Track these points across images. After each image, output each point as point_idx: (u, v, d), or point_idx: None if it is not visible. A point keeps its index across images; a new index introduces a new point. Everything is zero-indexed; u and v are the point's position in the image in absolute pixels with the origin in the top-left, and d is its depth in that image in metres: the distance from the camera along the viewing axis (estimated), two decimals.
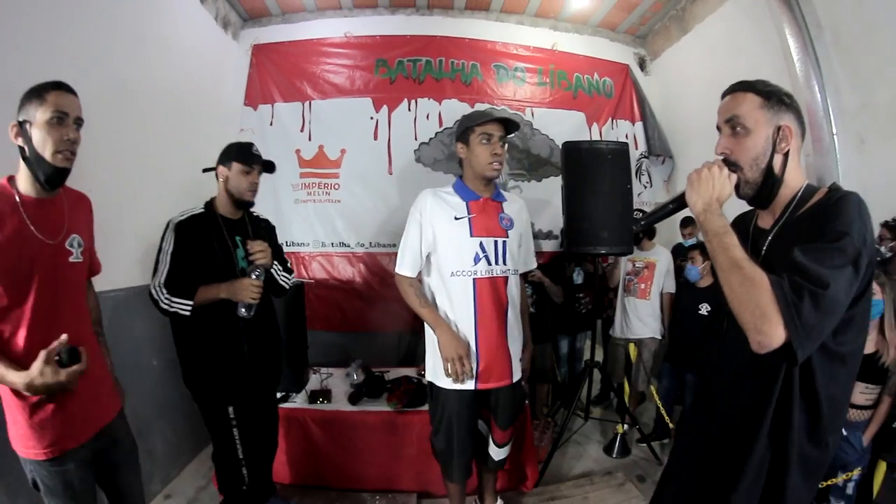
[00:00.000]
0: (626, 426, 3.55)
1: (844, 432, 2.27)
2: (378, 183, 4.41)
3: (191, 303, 2.06)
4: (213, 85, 4.03)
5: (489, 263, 2.17)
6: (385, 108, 4.43)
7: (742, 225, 1.37)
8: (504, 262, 2.21)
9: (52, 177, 1.42)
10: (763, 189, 1.24)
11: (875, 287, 2.17)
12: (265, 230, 2.44)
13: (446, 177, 4.26)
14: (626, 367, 3.83)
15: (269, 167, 2.35)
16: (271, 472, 2.57)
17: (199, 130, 3.71)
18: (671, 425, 3.53)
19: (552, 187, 4.55)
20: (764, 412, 1.18)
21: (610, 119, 4.89)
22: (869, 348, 2.21)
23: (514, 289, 2.27)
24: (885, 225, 2.71)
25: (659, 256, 3.75)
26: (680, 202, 1.31)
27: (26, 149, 1.39)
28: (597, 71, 4.88)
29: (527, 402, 2.91)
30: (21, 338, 1.37)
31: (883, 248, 2.65)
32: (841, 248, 1.03)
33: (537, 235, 4.58)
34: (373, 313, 4.33)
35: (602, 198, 3.08)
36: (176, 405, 3.12)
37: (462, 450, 2.27)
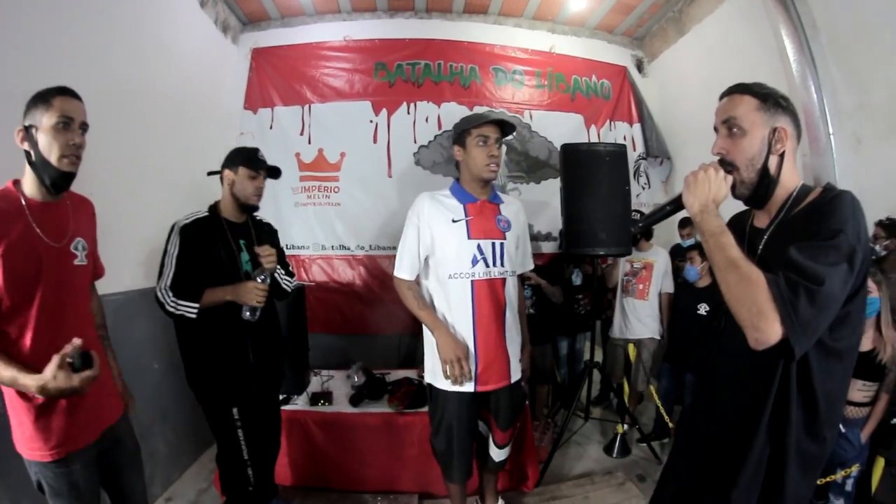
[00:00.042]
0: (625, 426, 3.56)
1: (843, 429, 2.29)
2: (377, 186, 4.42)
3: (197, 305, 2.07)
4: (212, 89, 4.04)
5: (487, 265, 2.18)
6: (384, 112, 4.45)
7: (738, 225, 1.39)
8: (502, 264, 2.21)
9: (57, 181, 1.44)
10: (759, 189, 1.26)
11: (871, 285, 2.19)
12: (268, 234, 2.45)
13: (445, 179, 4.27)
14: (625, 367, 3.84)
15: (274, 173, 2.38)
16: (273, 473, 2.57)
17: (199, 134, 3.73)
18: (671, 425, 3.54)
19: (551, 189, 4.56)
20: (762, 408, 1.20)
21: (608, 121, 4.92)
22: (866, 346, 2.23)
23: (511, 290, 2.28)
24: (880, 224, 2.73)
25: (657, 257, 3.77)
26: (677, 204, 1.33)
27: (32, 153, 1.40)
28: (594, 73, 4.91)
29: (527, 402, 2.92)
30: (27, 340, 1.38)
31: (878, 247, 2.68)
32: (835, 245, 1.05)
33: (536, 237, 4.61)
34: (373, 316, 4.34)
35: (600, 199, 3.10)
36: (177, 408, 3.14)
37: (462, 451, 2.28)
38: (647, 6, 4.51)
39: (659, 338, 3.76)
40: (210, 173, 2.38)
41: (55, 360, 1.29)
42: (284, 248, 2.66)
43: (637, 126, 5.02)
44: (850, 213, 1.09)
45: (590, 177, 3.13)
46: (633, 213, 3.55)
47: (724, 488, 1.26)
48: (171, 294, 2.06)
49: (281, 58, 4.46)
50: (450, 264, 2.16)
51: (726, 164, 1.26)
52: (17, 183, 1.44)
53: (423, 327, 2.24)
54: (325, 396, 3.06)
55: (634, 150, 4.96)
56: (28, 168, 1.43)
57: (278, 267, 2.35)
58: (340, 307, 4.41)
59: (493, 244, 2.20)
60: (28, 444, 1.44)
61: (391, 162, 4.44)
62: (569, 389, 4.09)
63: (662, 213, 1.43)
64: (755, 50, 3.56)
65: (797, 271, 1.03)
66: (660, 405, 3.53)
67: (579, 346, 4.19)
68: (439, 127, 4.46)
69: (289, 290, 2.48)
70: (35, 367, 1.31)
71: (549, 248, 4.62)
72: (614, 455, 3.48)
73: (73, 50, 2.38)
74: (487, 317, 2.18)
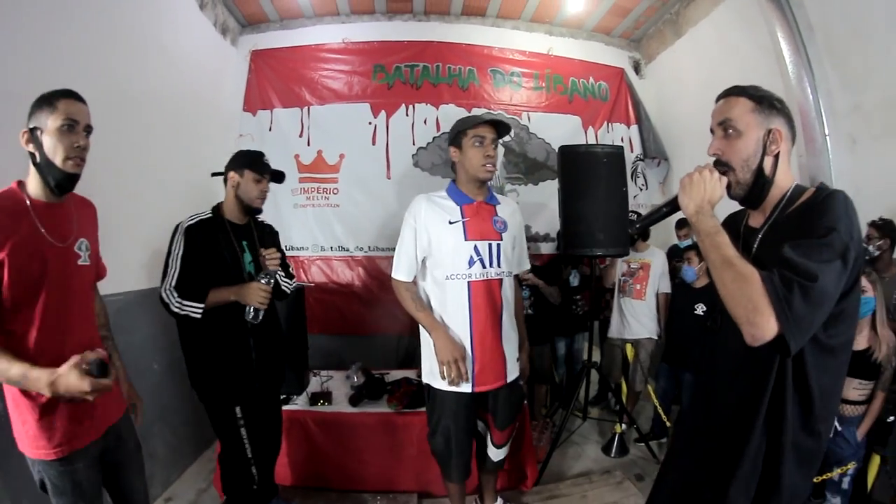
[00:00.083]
0: (623, 426, 3.57)
1: (839, 427, 2.32)
2: (376, 187, 4.44)
3: (202, 305, 2.09)
4: (212, 90, 4.05)
5: (484, 266, 2.19)
6: (383, 114, 4.47)
7: (733, 225, 1.41)
8: (498, 265, 2.22)
9: (62, 182, 1.45)
10: (754, 189, 1.28)
11: (867, 284, 2.22)
12: (270, 235, 2.48)
13: (444, 181, 4.26)
14: (623, 367, 3.86)
15: (278, 177, 2.41)
16: (273, 473, 2.59)
17: (198, 135, 3.74)
18: (668, 424, 3.56)
19: (549, 190, 4.59)
20: (759, 404, 1.22)
21: (605, 122, 4.94)
22: (861, 345, 2.26)
23: (508, 290, 2.29)
24: (873, 224, 2.76)
25: (653, 257, 3.79)
26: (673, 205, 1.35)
27: (37, 155, 1.42)
28: (592, 75, 4.93)
29: (525, 402, 2.93)
30: (32, 339, 1.39)
31: (871, 247, 2.70)
32: (829, 243, 1.07)
33: (535, 238, 4.63)
34: (372, 316, 4.36)
35: (598, 200, 3.11)
36: (176, 408, 3.15)
37: (460, 450, 2.29)
38: (643, 9, 4.54)
39: (656, 338, 3.77)
40: (214, 174, 2.40)
41: (73, 359, 1.30)
42: (284, 250, 2.68)
43: (634, 127, 5.05)
44: (843, 211, 1.12)
45: (587, 178, 3.15)
46: (630, 214, 3.56)
47: (722, 484, 1.27)
48: (175, 294, 2.08)
49: (280, 60, 4.47)
50: (447, 265, 2.17)
51: (722, 165, 1.29)
52: (21, 184, 1.46)
53: (421, 328, 2.25)
54: (324, 396, 3.07)
55: (632, 151, 4.99)
56: (32, 169, 1.44)
57: (280, 269, 2.37)
58: (339, 308, 4.43)
59: (490, 245, 2.21)
60: (32, 442, 1.44)
61: (390, 163, 4.46)
62: (567, 389, 4.11)
63: (659, 214, 1.45)
64: (751, 51, 3.58)
65: (791, 268, 1.06)
66: (657, 405, 3.55)
67: (577, 346, 4.20)
68: (438, 129, 4.47)
69: (288, 291, 2.49)
70: (39, 366, 1.31)
71: (547, 249, 4.64)
72: (612, 455, 3.50)
73: (72, 51, 2.39)
74: (484, 317, 2.19)
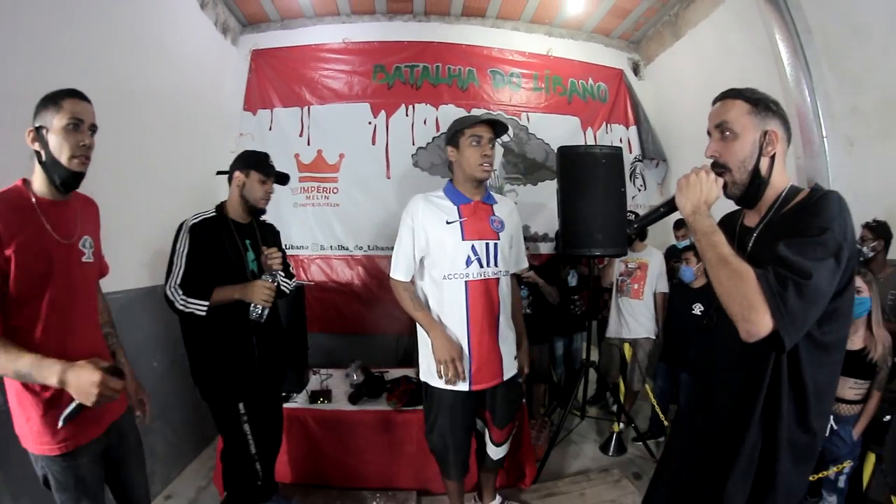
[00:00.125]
0: (621, 425, 3.58)
1: (835, 426, 2.34)
2: (376, 187, 4.46)
3: (206, 303, 2.10)
4: (212, 90, 4.07)
5: (481, 266, 2.19)
6: (383, 113, 4.49)
7: (729, 224, 1.44)
8: (496, 264, 2.23)
9: (68, 180, 1.47)
10: (750, 189, 1.31)
11: (862, 285, 2.24)
12: (272, 235, 2.51)
13: (443, 181, 4.29)
14: (621, 366, 3.87)
15: (283, 179, 2.43)
16: (274, 470, 2.60)
17: (198, 134, 3.75)
18: (666, 424, 3.57)
19: (547, 191, 4.62)
20: (755, 401, 1.24)
21: (604, 123, 4.96)
22: (857, 344, 2.28)
23: (505, 289, 2.30)
24: (867, 226, 2.79)
25: (651, 257, 3.82)
26: (670, 205, 1.38)
27: (43, 153, 1.44)
28: (591, 76, 4.95)
29: (524, 401, 2.94)
30: (36, 334, 1.41)
31: (865, 249, 2.73)
32: (823, 241, 1.10)
33: (533, 238, 4.65)
34: (371, 315, 4.37)
35: (597, 201, 3.13)
36: (177, 406, 3.16)
37: (458, 448, 2.30)
38: (643, 10, 4.56)
39: (654, 337, 3.80)
40: (219, 173, 2.41)
41: (88, 360, 1.31)
42: (284, 249, 2.70)
43: (633, 128, 5.06)
44: (837, 211, 1.14)
45: (586, 179, 3.16)
46: (629, 215, 3.58)
47: (719, 480, 1.29)
48: (180, 292, 2.09)
49: (280, 59, 4.49)
50: (444, 265, 2.18)
51: (719, 167, 1.31)
52: (26, 182, 1.47)
53: (418, 327, 2.26)
54: (324, 394, 3.08)
55: (631, 152, 5.01)
56: (38, 167, 1.46)
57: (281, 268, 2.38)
58: (339, 307, 4.44)
59: (487, 245, 2.21)
60: (36, 438, 1.46)
61: (389, 163, 4.48)
62: (565, 389, 4.12)
63: (656, 214, 1.47)
64: (750, 53, 3.60)
65: (786, 266, 1.08)
66: (655, 404, 3.56)
67: (576, 345, 4.22)
68: (437, 129, 4.49)
69: (288, 291, 2.51)
70: None
71: (545, 249, 4.66)
72: (610, 453, 3.51)
73: (73, 51, 2.39)
74: (481, 317, 2.20)
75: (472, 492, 2.71)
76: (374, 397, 3.10)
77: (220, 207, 2.31)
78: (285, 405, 2.83)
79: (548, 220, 4.61)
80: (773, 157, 1.28)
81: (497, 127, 2.20)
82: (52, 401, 1.42)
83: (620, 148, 3.68)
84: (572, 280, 4.00)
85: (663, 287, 3.79)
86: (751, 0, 3.33)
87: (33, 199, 1.44)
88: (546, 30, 4.84)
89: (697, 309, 3.40)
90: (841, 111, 3.08)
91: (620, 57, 5.13)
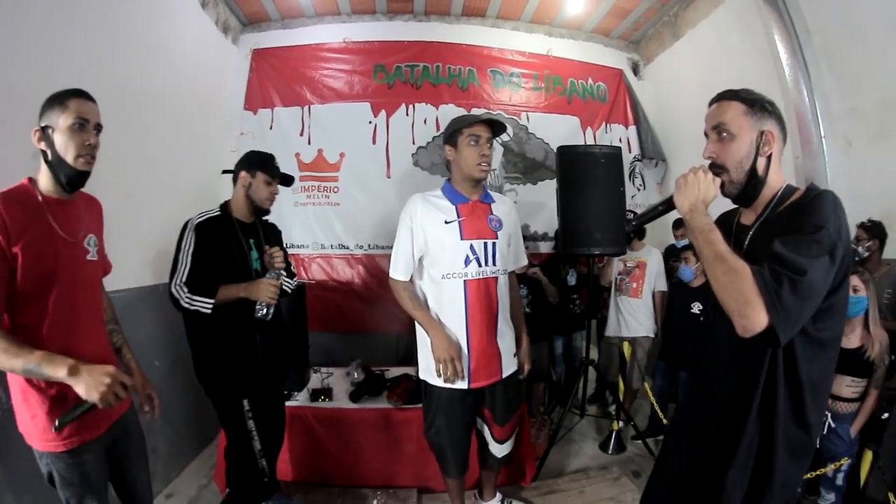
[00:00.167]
0: (621, 423, 3.60)
1: (833, 424, 2.36)
2: (376, 186, 4.48)
3: (212, 301, 2.11)
4: (213, 89, 4.08)
5: (480, 265, 2.20)
6: (383, 113, 4.50)
7: (726, 222, 1.46)
8: (494, 263, 2.24)
9: (73, 179, 1.49)
10: (747, 189, 1.33)
11: (860, 284, 2.26)
12: (275, 234, 2.53)
13: (443, 180, 4.32)
14: (620, 365, 3.89)
15: (287, 181, 2.45)
16: (275, 468, 2.61)
17: (199, 134, 3.77)
18: (665, 422, 3.58)
19: (547, 190, 4.64)
20: (752, 396, 1.26)
21: (604, 123, 4.98)
22: (854, 343, 2.30)
23: (503, 287, 2.31)
24: (862, 226, 2.81)
25: (649, 256, 3.83)
26: (669, 204, 1.40)
27: (49, 153, 1.45)
28: (591, 76, 4.97)
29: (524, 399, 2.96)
30: (42, 331, 1.42)
31: (860, 249, 2.75)
32: (817, 239, 1.12)
33: (533, 237, 4.68)
34: (371, 314, 4.38)
35: (596, 200, 3.14)
36: (178, 405, 3.17)
37: (457, 446, 2.31)
38: (643, 10, 4.58)
39: (653, 336, 3.81)
40: (225, 171, 2.43)
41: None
42: (285, 248, 2.71)
43: (633, 128, 5.08)
44: (831, 210, 1.16)
45: (586, 178, 3.18)
46: (627, 214, 3.60)
47: (718, 474, 1.32)
48: (186, 290, 2.10)
49: (281, 59, 4.50)
50: (443, 265, 2.18)
51: (717, 167, 1.33)
52: (32, 181, 1.49)
53: (417, 326, 2.27)
54: (325, 392, 3.09)
55: (630, 151, 5.03)
56: (44, 166, 1.47)
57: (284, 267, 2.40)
58: (339, 305, 4.46)
59: (486, 244, 2.22)
60: (41, 435, 1.47)
61: (390, 162, 4.50)
62: (565, 387, 4.14)
63: (655, 212, 1.50)
64: (749, 54, 3.61)
65: (781, 263, 1.10)
66: (654, 402, 3.57)
67: (576, 344, 4.23)
68: (437, 128, 4.50)
69: (290, 290, 2.53)
70: None
71: (545, 248, 4.68)
72: (610, 452, 3.53)
73: (74, 50, 2.40)
74: (480, 315, 2.21)
75: (473, 489, 2.72)
76: (374, 395, 3.11)
77: (225, 207, 2.32)
78: (287, 403, 2.85)
79: (547, 219, 4.62)
80: (769, 157, 1.30)
81: (495, 127, 2.21)
82: (58, 398, 1.43)
83: (619, 148, 3.70)
84: (571, 279, 4.01)
85: (662, 286, 3.81)
86: (750, 0, 3.35)
87: (40, 198, 1.46)
88: (546, 30, 4.86)
89: (696, 308, 3.40)
90: (839, 111, 3.09)
91: (620, 57, 5.15)
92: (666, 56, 4.86)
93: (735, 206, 1.45)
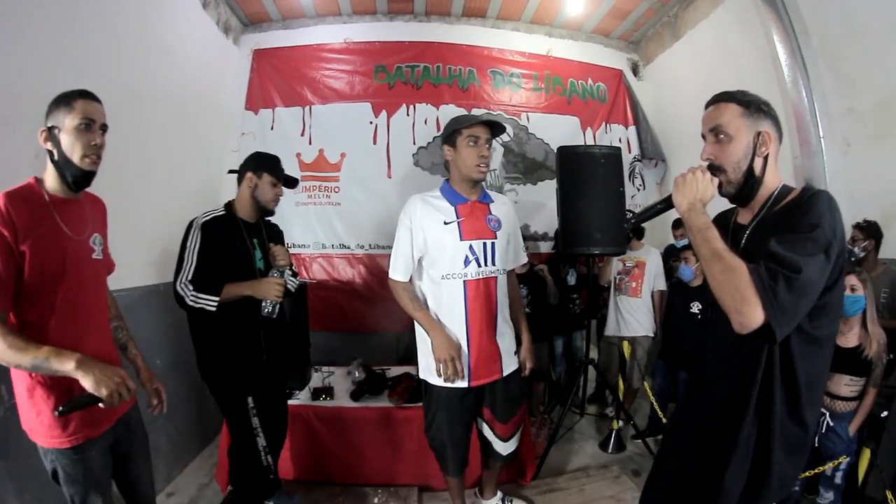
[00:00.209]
0: (620, 423, 3.61)
1: (831, 423, 2.37)
2: (377, 186, 4.49)
3: (217, 299, 2.13)
4: (214, 89, 4.09)
5: (479, 265, 2.21)
6: (384, 113, 4.52)
7: (723, 221, 1.47)
8: (493, 263, 2.25)
9: (79, 179, 1.51)
10: (744, 188, 1.35)
11: (857, 283, 2.27)
12: (278, 234, 2.55)
13: (443, 181, 4.34)
14: (620, 364, 3.89)
15: (292, 183, 2.48)
16: (278, 466, 2.62)
17: (200, 134, 3.78)
18: (665, 421, 3.59)
19: (547, 190, 4.65)
20: (749, 393, 1.28)
21: (604, 123, 4.99)
22: (852, 342, 2.31)
23: (503, 287, 2.32)
24: (857, 226, 2.82)
25: (648, 255, 3.84)
26: (667, 203, 1.42)
27: (55, 152, 1.47)
28: (591, 76, 4.98)
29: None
30: (49, 329, 1.44)
31: (856, 249, 2.77)
32: (813, 238, 1.13)
33: (533, 237, 4.69)
34: (372, 314, 4.39)
35: (596, 200, 3.15)
36: (180, 404, 3.18)
37: (456, 444, 2.32)
38: (642, 11, 4.59)
39: (653, 335, 3.82)
40: (231, 171, 2.44)
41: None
42: (288, 248, 2.73)
43: (632, 128, 5.10)
44: (827, 209, 1.18)
45: (585, 178, 3.19)
46: (627, 213, 3.61)
47: (717, 470, 1.33)
48: (191, 288, 2.12)
49: (282, 59, 4.51)
50: (443, 265, 2.19)
51: (715, 169, 1.35)
52: (38, 180, 1.50)
53: (417, 325, 2.28)
54: (326, 391, 3.10)
55: (630, 152, 5.04)
56: (50, 166, 1.49)
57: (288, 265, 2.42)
58: (340, 305, 4.47)
59: (485, 244, 2.23)
60: (46, 432, 1.48)
61: (391, 163, 4.51)
62: (565, 386, 4.14)
63: (654, 210, 1.52)
64: (748, 54, 3.62)
65: (777, 261, 1.12)
66: (654, 402, 3.58)
67: (576, 344, 4.25)
68: (438, 129, 4.50)
69: (292, 289, 2.55)
70: None
71: (545, 248, 4.69)
72: (609, 451, 3.54)
73: (76, 50, 2.41)
74: (480, 315, 2.22)
75: (473, 487, 2.73)
76: (375, 394, 3.12)
77: (229, 206, 2.34)
78: (288, 402, 2.86)
79: (547, 219, 4.64)
80: (766, 157, 1.32)
81: (494, 127, 2.22)
82: (64, 395, 1.44)
83: (619, 148, 3.70)
84: (571, 279, 4.03)
85: (661, 285, 3.82)
86: (749, 1, 3.36)
87: (46, 197, 1.48)
88: (546, 30, 4.87)
89: (696, 307, 3.41)
90: (838, 112, 3.10)
91: (620, 57, 5.16)
92: (665, 56, 4.87)
93: (732, 205, 1.46)
